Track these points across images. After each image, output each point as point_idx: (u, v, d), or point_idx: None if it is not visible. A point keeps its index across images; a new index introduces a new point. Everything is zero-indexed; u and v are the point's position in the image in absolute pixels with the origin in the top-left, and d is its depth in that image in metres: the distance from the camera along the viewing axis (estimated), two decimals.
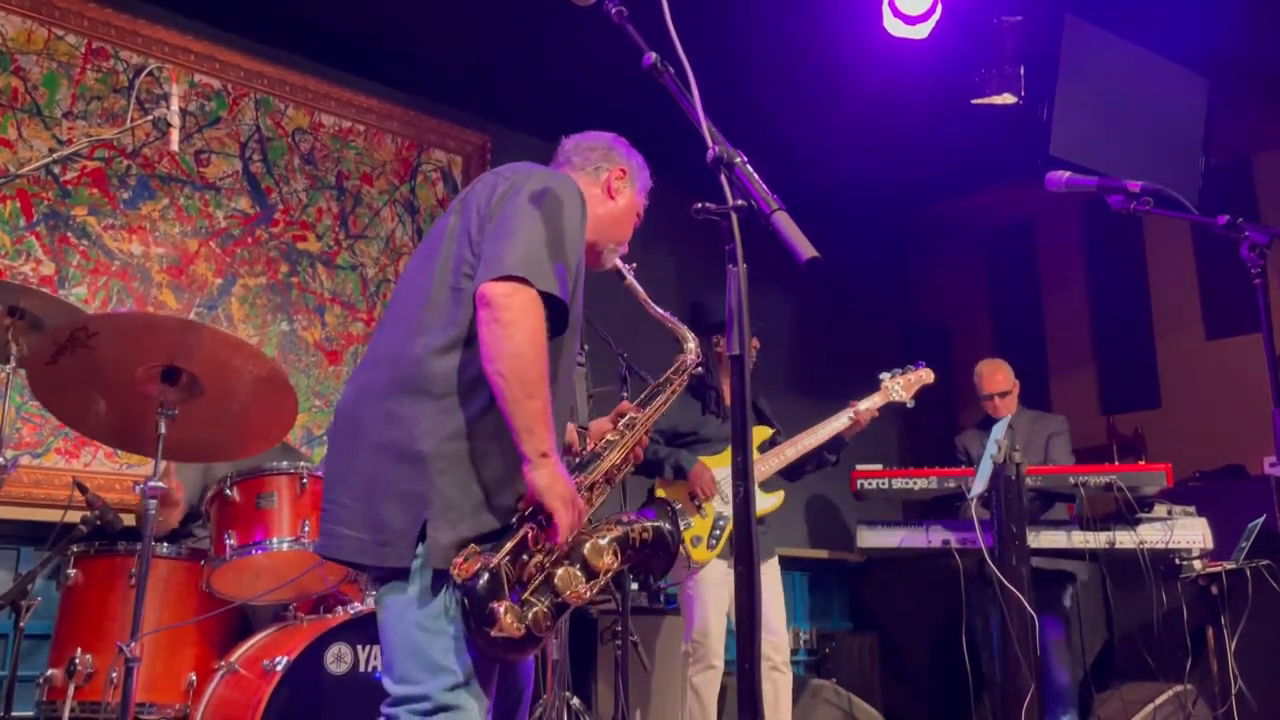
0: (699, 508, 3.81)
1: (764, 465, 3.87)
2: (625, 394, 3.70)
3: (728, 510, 3.83)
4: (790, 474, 4.09)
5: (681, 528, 3.76)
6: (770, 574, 3.86)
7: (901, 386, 4.06)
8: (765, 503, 3.86)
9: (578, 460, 2.10)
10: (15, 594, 3.07)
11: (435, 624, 1.81)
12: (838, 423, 3.95)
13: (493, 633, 1.76)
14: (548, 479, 1.82)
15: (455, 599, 1.80)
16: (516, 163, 2.13)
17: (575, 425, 2.48)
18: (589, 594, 1.89)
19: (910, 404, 4.09)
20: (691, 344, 2.34)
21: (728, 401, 4.05)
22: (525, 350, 1.81)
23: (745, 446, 1.50)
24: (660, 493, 3.87)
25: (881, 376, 4.10)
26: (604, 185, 2.23)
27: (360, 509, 1.87)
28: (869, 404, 3.99)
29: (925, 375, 4.12)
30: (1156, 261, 6.14)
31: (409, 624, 1.83)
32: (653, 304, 2.34)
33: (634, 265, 2.32)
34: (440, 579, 1.81)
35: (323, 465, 2.15)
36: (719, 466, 3.87)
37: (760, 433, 3.98)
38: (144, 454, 2.95)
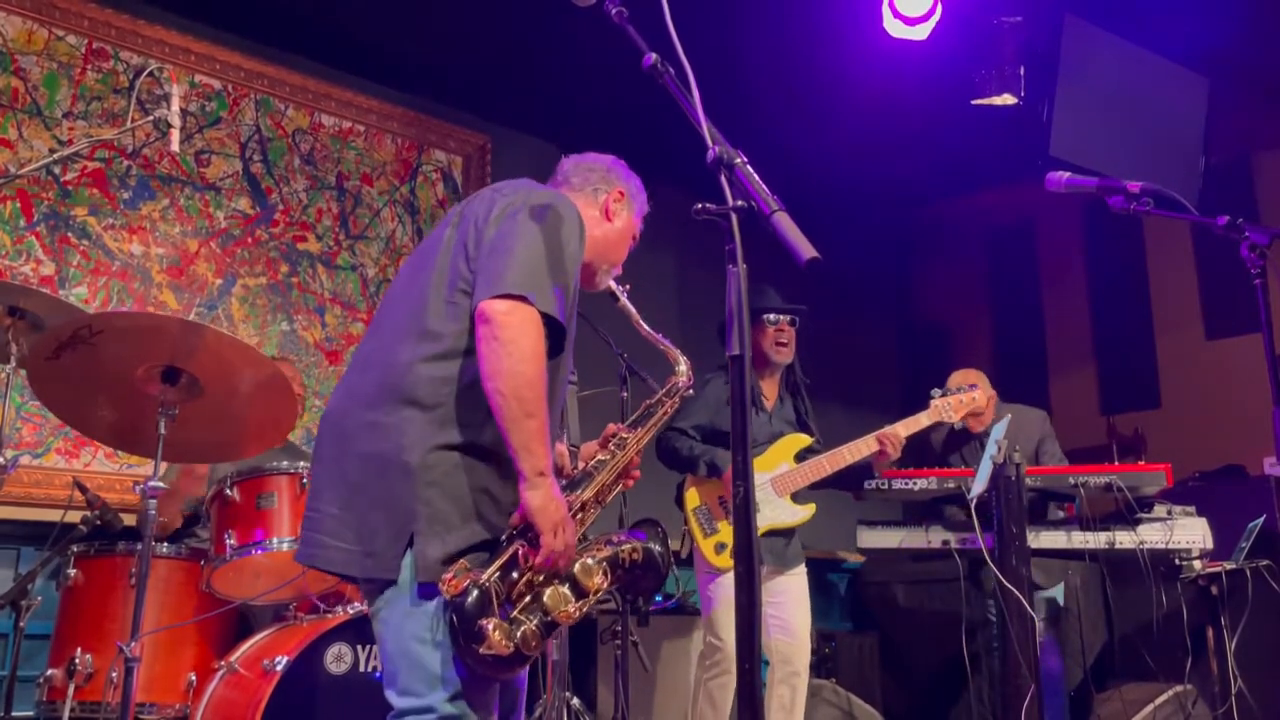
0: (726, 510, 3.69)
1: (799, 476, 3.73)
2: (625, 394, 3.70)
3: (759, 518, 3.74)
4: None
5: (707, 532, 3.70)
6: (798, 581, 3.80)
7: (951, 407, 3.89)
8: (796, 514, 3.74)
9: (568, 480, 2.09)
10: (15, 594, 3.07)
11: (431, 636, 1.80)
12: (872, 443, 3.75)
13: (481, 650, 1.75)
14: (542, 499, 1.81)
15: (446, 613, 1.79)
16: (516, 180, 2.11)
17: (566, 444, 2.47)
18: (578, 614, 1.88)
19: (958, 426, 3.93)
20: (683, 366, 2.33)
21: (769, 402, 3.91)
22: (524, 369, 1.80)
23: (745, 446, 1.50)
24: (692, 490, 3.77)
25: (933, 393, 3.92)
26: (602, 207, 2.22)
27: (346, 518, 1.86)
28: (912, 420, 3.82)
29: (978, 398, 3.95)
30: (1156, 261, 6.14)
31: (406, 637, 1.82)
32: (645, 326, 2.33)
33: (628, 286, 2.32)
34: (432, 591, 1.80)
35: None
36: (755, 471, 3.71)
37: (798, 441, 3.84)
38: (143, 454, 2.95)
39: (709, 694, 3.65)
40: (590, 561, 1.92)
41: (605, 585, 1.94)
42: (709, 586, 3.71)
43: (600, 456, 2.14)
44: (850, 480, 3.92)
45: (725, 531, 3.69)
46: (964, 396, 3.94)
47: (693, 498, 3.76)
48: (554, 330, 1.90)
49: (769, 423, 3.88)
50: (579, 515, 2.01)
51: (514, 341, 1.80)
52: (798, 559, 3.81)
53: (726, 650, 3.61)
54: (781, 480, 3.76)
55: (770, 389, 3.96)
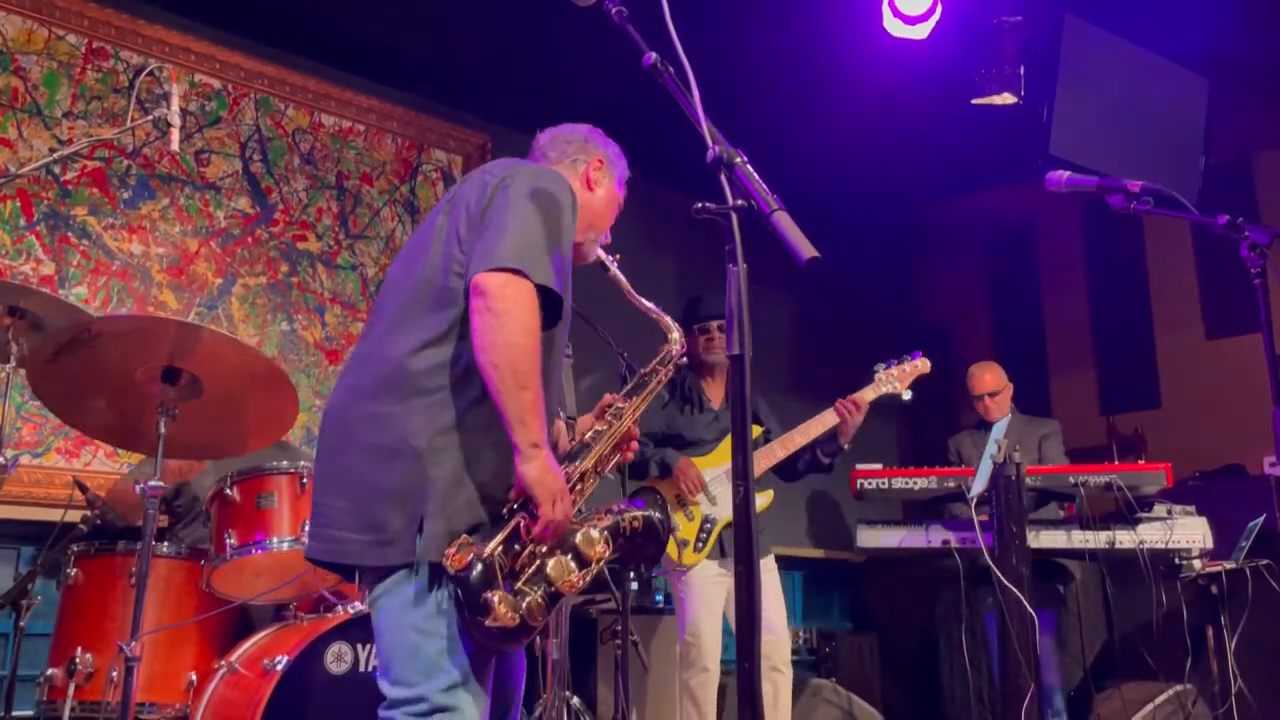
0: (684, 507, 3.77)
1: (753, 464, 3.79)
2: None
3: (715, 512, 3.79)
4: (786, 475, 4.05)
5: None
6: (768, 573, 3.81)
7: (895, 377, 3.93)
8: (756, 501, 3.80)
9: (566, 452, 2.10)
10: (15, 594, 3.07)
11: (430, 625, 1.81)
12: (825, 419, 3.85)
13: (487, 622, 1.76)
14: (538, 471, 1.83)
15: (449, 597, 1.80)
16: (503, 159, 2.12)
17: (563, 417, 2.49)
18: (581, 583, 1.90)
19: (906, 395, 3.92)
20: (676, 334, 2.35)
21: (714, 403, 3.99)
22: (519, 341, 1.81)
23: (745, 446, 1.50)
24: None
25: (876, 368, 3.97)
26: (582, 177, 2.23)
27: (356, 510, 1.86)
28: (857, 395, 3.87)
29: (921, 365, 3.97)
30: (1156, 261, 6.14)
31: (404, 626, 1.83)
32: (636, 295, 2.34)
33: (618, 256, 2.32)
34: (434, 578, 1.81)
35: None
36: (706, 467, 3.83)
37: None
38: (142, 451, 2.96)
39: (690, 692, 3.68)
40: (592, 531, 1.94)
41: (607, 554, 1.96)
42: (678, 585, 3.76)
43: (597, 427, 2.15)
44: (815, 463, 3.97)
45: (686, 528, 3.77)
46: (907, 366, 3.98)
47: None
48: (550, 301, 1.90)
49: (716, 420, 3.96)
50: (578, 486, 2.02)
51: (508, 314, 1.81)
52: (765, 550, 3.82)
53: (701, 646, 3.67)
54: None
55: (715, 390, 4.04)
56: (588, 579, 1.91)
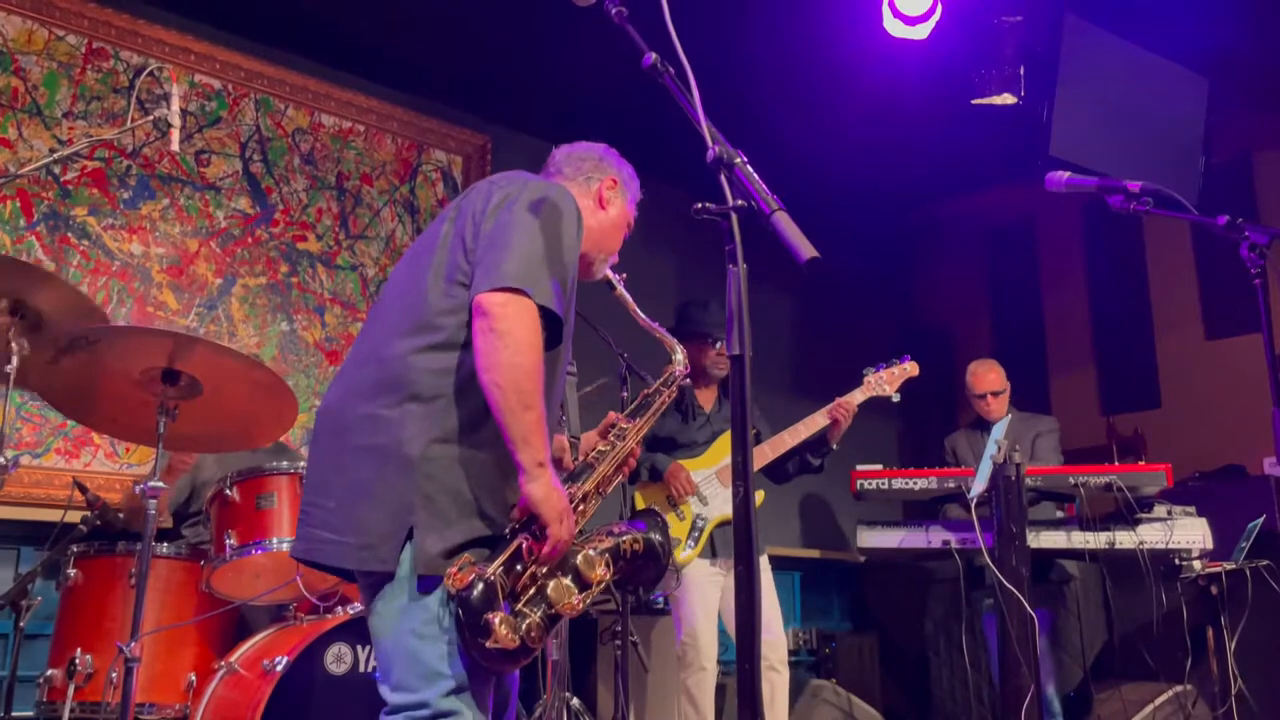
0: (675, 508, 3.82)
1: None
2: (625, 393, 3.71)
3: (706, 512, 3.83)
4: (775, 476, 4.09)
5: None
6: (762, 573, 3.85)
7: (885, 380, 4.00)
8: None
9: (570, 471, 2.09)
10: (15, 594, 3.07)
11: (429, 630, 1.80)
12: (815, 421, 3.91)
13: (487, 644, 1.75)
14: (543, 490, 1.82)
15: (448, 607, 1.79)
16: (512, 171, 2.11)
17: (567, 436, 2.49)
18: (581, 605, 1.89)
19: (895, 398, 4.00)
20: (680, 355, 2.36)
21: (705, 407, 4.06)
22: (521, 361, 1.81)
23: (745, 446, 1.50)
24: (639, 496, 3.88)
25: (865, 371, 4.05)
26: (595, 196, 2.23)
27: (343, 512, 1.85)
28: (847, 399, 3.93)
29: (909, 368, 4.05)
30: (1156, 261, 6.14)
31: (403, 631, 1.82)
32: (642, 314, 2.35)
33: (624, 275, 2.32)
34: (431, 585, 1.80)
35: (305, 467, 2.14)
36: (697, 470, 3.89)
37: None
38: (142, 442, 2.96)
39: (688, 692, 3.71)
40: (592, 553, 1.93)
41: (608, 576, 1.95)
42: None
43: (600, 447, 2.15)
44: (804, 465, 4.04)
45: (677, 528, 3.83)
46: (896, 369, 4.06)
47: (640, 501, 3.90)
48: (551, 323, 1.90)
49: (708, 424, 4.03)
50: (580, 507, 2.01)
51: (510, 334, 1.81)
52: (759, 551, 3.84)
53: (697, 644, 3.72)
54: (726, 471, 3.82)
55: (708, 396, 4.11)
56: (587, 602, 1.90)
